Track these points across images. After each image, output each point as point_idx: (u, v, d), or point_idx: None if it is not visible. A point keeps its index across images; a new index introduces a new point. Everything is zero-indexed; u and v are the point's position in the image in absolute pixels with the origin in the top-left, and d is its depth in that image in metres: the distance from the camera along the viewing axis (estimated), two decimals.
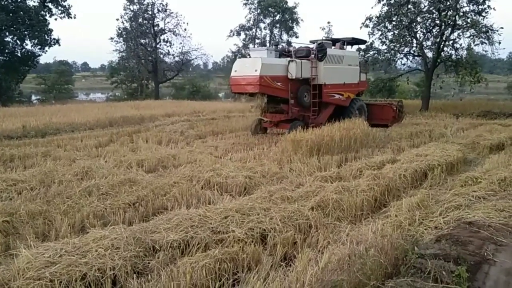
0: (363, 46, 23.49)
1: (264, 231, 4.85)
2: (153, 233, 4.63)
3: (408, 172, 7.53)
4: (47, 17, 34.08)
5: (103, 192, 6.60)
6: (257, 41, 42.86)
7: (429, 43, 22.95)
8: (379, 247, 3.69)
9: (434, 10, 21.20)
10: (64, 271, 3.67)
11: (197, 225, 4.80)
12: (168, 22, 41.66)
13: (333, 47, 14.39)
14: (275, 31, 44.34)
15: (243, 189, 7.09)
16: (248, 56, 12.91)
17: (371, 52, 23.65)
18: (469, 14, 20.85)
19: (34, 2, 33.58)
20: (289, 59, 12.92)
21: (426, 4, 21.56)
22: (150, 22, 41.29)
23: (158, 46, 42.12)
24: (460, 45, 22.11)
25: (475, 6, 20.99)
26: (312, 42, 14.91)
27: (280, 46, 16.48)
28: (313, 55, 13.43)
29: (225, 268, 4.01)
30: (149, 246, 4.33)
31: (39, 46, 34.24)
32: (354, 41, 16.58)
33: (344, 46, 15.34)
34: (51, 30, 34.27)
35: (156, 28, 41.52)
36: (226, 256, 4.13)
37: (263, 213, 5.26)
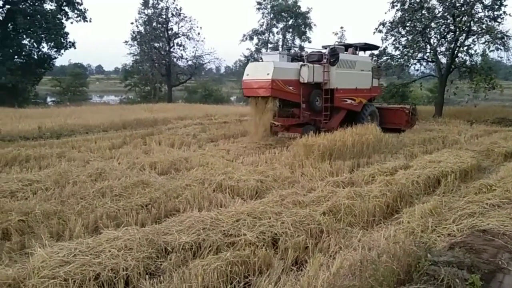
0: (376, 52, 23.43)
1: (276, 235, 4.86)
2: (166, 235, 4.66)
3: (421, 178, 7.47)
4: (63, 21, 34.65)
5: (116, 193, 6.68)
6: (269, 45, 42.92)
7: (443, 48, 22.78)
8: (392, 253, 3.67)
9: (448, 16, 21.03)
10: (78, 271, 3.72)
11: (209, 227, 4.83)
12: (181, 26, 42.03)
13: (345, 53, 14.41)
14: (288, 36, 44.34)
15: (255, 193, 7.11)
16: (261, 60, 13.04)
17: (384, 58, 23.53)
18: (484, 20, 20.65)
19: (51, 5, 34.20)
20: (301, 63, 12.97)
21: (440, 9, 21.42)
22: (164, 26, 41.67)
23: (171, 49, 42.49)
24: (475, 51, 21.91)
25: (490, 12, 20.76)
26: (325, 47, 14.90)
27: (292, 51, 16.47)
28: (325, 60, 13.48)
29: (237, 271, 4.03)
30: (161, 247, 4.37)
31: (55, 49, 34.81)
32: (366, 47, 16.53)
33: (357, 52, 15.34)
34: (67, 33, 34.85)
35: (170, 32, 41.89)
36: (238, 259, 4.14)
37: (275, 217, 5.27)
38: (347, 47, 15.15)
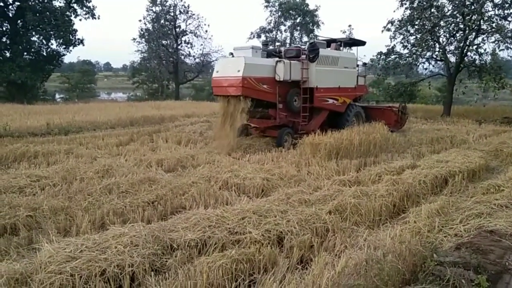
0: (383, 50, 23.29)
1: (281, 233, 4.86)
2: (171, 231, 4.68)
3: (428, 178, 7.41)
4: (72, 18, 34.88)
5: (123, 190, 6.72)
6: (277, 43, 42.88)
7: (452, 47, 22.53)
8: (397, 253, 3.66)
9: (458, 14, 20.80)
10: (85, 266, 3.75)
11: (215, 225, 4.84)
12: (189, 24, 42.17)
13: (328, 48, 13.49)
14: (296, 33, 44.33)
15: (261, 191, 7.12)
16: (231, 56, 12.04)
17: (393, 56, 23.37)
18: (494, 19, 20.39)
19: (60, 2, 34.47)
20: (277, 59, 11.83)
21: (450, 8, 21.20)
22: (172, 23, 41.81)
23: (179, 47, 42.62)
24: (485, 50, 21.63)
25: (500, 10, 20.53)
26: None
27: (271, 47, 15.01)
28: (304, 56, 12.34)
29: (242, 268, 4.03)
30: (167, 244, 4.38)
31: (64, 46, 35.13)
32: (351, 42, 15.50)
33: (341, 47, 14.33)
34: (75, 30, 35.10)
35: (177, 29, 42.03)
36: (243, 257, 4.15)
37: (280, 215, 5.26)
38: (330, 42, 14.07)
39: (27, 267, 3.83)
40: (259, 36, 43.37)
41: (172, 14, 41.52)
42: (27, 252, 4.55)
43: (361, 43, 15.52)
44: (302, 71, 12.12)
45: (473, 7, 20.04)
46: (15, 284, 3.60)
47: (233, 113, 11.08)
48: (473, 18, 19.93)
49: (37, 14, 31.93)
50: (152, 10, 41.04)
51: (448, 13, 21.07)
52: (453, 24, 21.40)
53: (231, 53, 12.20)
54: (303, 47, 13.08)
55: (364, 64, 17.17)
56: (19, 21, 32.37)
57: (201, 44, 42.68)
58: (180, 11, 41.54)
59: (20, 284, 3.61)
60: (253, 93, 11.12)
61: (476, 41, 21.42)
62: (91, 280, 3.64)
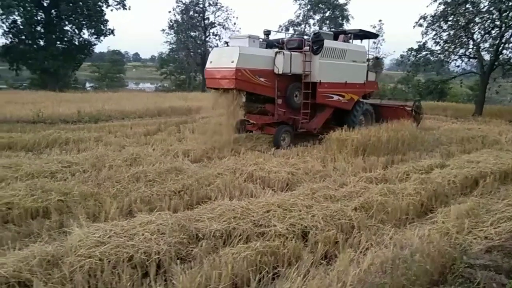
0: (414, 46, 22.76)
1: (306, 228, 4.84)
2: (197, 221, 4.74)
3: (457, 178, 7.23)
4: (103, 8, 35.51)
5: (150, 178, 6.83)
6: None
7: (486, 45, 21.79)
8: (425, 253, 3.59)
9: (494, 11, 20.10)
10: (113, 252, 3.84)
11: (240, 216, 4.87)
12: (218, 16, 42.32)
13: (335, 41, 12.33)
14: (324, 27, 43.82)
15: (285, 185, 7.10)
16: (226, 45, 11.15)
17: (424, 53, 22.83)
18: None
19: None
20: (276, 50, 10.79)
21: (486, 4, 20.49)
22: (201, 15, 42.04)
23: (207, 39, 42.82)
24: None
25: None
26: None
27: (276, 37, 13.05)
28: (307, 47, 11.29)
29: (266, 261, 4.05)
30: (192, 234, 4.44)
31: (95, 36, 35.83)
32: (362, 34, 13.81)
33: (351, 40, 13.11)
34: (107, 21, 35.72)
35: (206, 21, 42.24)
36: (267, 249, 4.16)
37: (305, 210, 5.25)
38: (338, 34, 13.00)
39: (58, 249, 3.95)
40: (287, 30, 43.10)
41: (201, 6, 41.78)
42: (58, 235, 4.68)
43: (373, 35, 14.32)
44: (305, 64, 11.06)
45: (510, 3, 19.31)
46: (46, 265, 3.71)
47: (227, 108, 10.25)
48: (510, 14, 19.23)
49: (71, 4, 32.66)
50: (181, 1, 41.39)
51: (484, 9, 20.38)
52: (488, 21, 20.69)
53: (226, 42, 11.53)
54: (306, 37, 12.06)
55: (376, 58, 16.05)
56: (53, 10, 33.17)
57: (229, 37, 42.74)
58: (209, 3, 41.77)
59: (51, 265, 3.73)
60: (249, 86, 10.19)
61: None
62: (119, 265, 3.73)
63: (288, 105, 11.03)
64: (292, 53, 10.76)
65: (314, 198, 5.94)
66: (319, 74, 11.28)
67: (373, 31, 40.21)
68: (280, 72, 10.49)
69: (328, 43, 11.49)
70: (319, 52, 11.21)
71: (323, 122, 11.97)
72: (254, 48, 10.62)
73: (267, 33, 11.75)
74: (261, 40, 11.24)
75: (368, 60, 13.59)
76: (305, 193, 6.14)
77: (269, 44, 11.49)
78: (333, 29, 12.94)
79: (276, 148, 10.26)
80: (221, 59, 10.24)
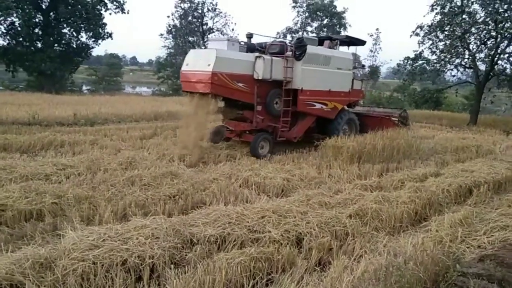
0: (411, 55, 22.92)
1: (300, 235, 4.86)
2: (192, 226, 4.73)
3: (452, 187, 7.29)
4: (102, 11, 35.52)
5: (145, 182, 6.82)
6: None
7: (482, 55, 21.98)
8: (419, 261, 3.61)
9: (490, 22, 20.29)
10: (107, 255, 3.83)
11: (234, 222, 4.87)
12: (216, 22, 42.34)
13: (320, 47, 11.87)
14: (322, 35, 44.07)
15: (281, 191, 7.13)
16: (204, 48, 10.89)
17: (420, 62, 23.00)
18: None
19: None
20: (256, 54, 10.34)
21: (482, 15, 20.70)
22: (199, 20, 42.07)
23: (205, 44, 42.86)
24: None
25: None
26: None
27: (256, 42, 11.68)
28: (290, 52, 10.89)
29: (260, 267, 4.05)
30: (187, 238, 4.43)
31: (93, 39, 35.75)
32: (349, 40, 13.41)
33: (336, 46, 12.62)
34: (105, 24, 35.70)
35: (204, 26, 42.25)
36: (262, 255, 4.16)
37: (300, 217, 5.26)
38: (323, 39, 12.44)
39: (51, 252, 3.93)
40: (285, 36, 43.21)
41: (200, 11, 41.81)
42: (51, 238, 4.66)
43: (361, 42, 13.82)
44: (286, 70, 10.60)
45: (506, 15, 19.55)
46: (39, 268, 3.69)
47: (201, 114, 9.83)
48: (506, 25, 19.44)
49: (69, 7, 32.64)
50: (180, 6, 41.41)
51: (480, 20, 20.58)
52: (484, 31, 20.90)
53: (205, 45, 11.18)
54: (289, 42, 11.31)
55: (363, 66, 15.24)
56: (51, 13, 33.15)
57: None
58: (208, 9, 41.81)
59: (44, 268, 3.71)
60: (226, 91, 9.76)
61: (508, 50, 20.91)
62: (113, 269, 3.72)
63: (267, 112, 10.63)
64: (273, 58, 10.39)
65: (309, 205, 5.96)
66: (301, 81, 10.84)
67: (371, 39, 40.51)
68: (260, 78, 10.10)
69: (311, 48, 11.04)
70: (301, 58, 10.77)
71: (305, 131, 11.65)
72: (233, 51, 10.17)
73: (250, 36, 11.22)
74: (242, 43, 10.86)
75: (355, 67, 13.15)
76: (300, 200, 6.15)
77: (250, 48, 10.93)
78: (324, 36, 12.12)
79: (254, 156, 9.97)
80: (198, 62, 9.80)
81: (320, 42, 12.18)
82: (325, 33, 42.77)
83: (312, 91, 11.23)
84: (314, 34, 42.97)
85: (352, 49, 13.69)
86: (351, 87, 12.68)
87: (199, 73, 9.57)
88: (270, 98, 10.51)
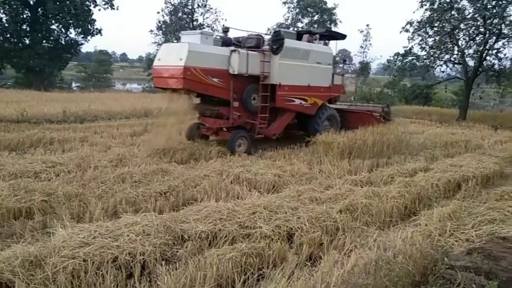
0: (401, 51, 23.04)
1: (291, 230, 4.88)
2: (183, 222, 4.73)
3: (441, 181, 7.37)
4: (91, 7, 35.20)
5: (136, 179, 6.80)
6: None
7: (471, 51, 22.19)
8: (408, 255, 3.65)
9: (479, 18, 20.49)
10: (97, 253, 3.81)
11: (226, 218, 4.88)
12: (207, 18, 42.21)
13: (298, 41, 11.56)
14: (301, 29, 44.13)
15: (272, 187, 7.14)
16: (176, 42, 10.42)
17: (410, 58, 23.15)
18: None
19: None
20: (232, 48, 10.02)
21: (471, 11, 20.90)
22: (190, 16, 41.91)
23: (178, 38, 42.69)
24: (505, 54, 21.31)
25: None
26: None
27: (233, 36, 11.36)
28: (267, 46, 10.60)
29: (251, 262, 4.06)
30: (178, 235, 4.43)
31: (82, 35, 35.47)
32: (329, 34, 13.14)
33: (316, 41, 12.15)
34: (94, 20, 35.42)
35: (195, 22, 42.10)
36: (253, 251, 4.18)
37: (291, 212, 5.28)
38: (302, 33, 12.13)
39: (41, 250, 3.90)
40: None
41: (190, 7, 41.64)
42: (41, 236, 4.62)
43: (341, 36, 13.38)
44: (263, 64, 10.26)
45: (494, 11, 19.74)
46: (29, 266, 3.67)
47: (174, 111, 9.56)
48: (494, 22, 19.63)
49: (57, 3, 32.30)
50: (170, 2, 41.22)
51: (468, 16, 20.78)
52: (473, 27, 21.11)
53: (178, 38, 10.84)
54: (266, 36, 11.16)
55: (344, 61, 15.03)
56: (39, 9, 32.76)
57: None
58: (198, 5, 41.66)
59: (34, 266, 3.68)
60: (199, 87, 9.40)
61: (496, 46, 21.15)
62: (103, 266, 3.70)
63: (244, 108, 10.25)
64: (249, 52, 10.04)
65: (299, 200, 5.99)
66: (278, 76, 10.52)
67: (361, 35, 40.60)
68: (236, 73, 9.76)
69: (289, 42, 10.68)
70: (279, 52, 10.42)
71: (284, 128, 11.44)
72: (207, 45, 9.74)
73: (226, 30, 10.95)
74: (217, 37, 10.63)
75: (335, 62, 12.75)
76: (291, 195, 6.17)
77: (227, 42, 10.56)
78: (303, 30, 11.73)
79: (231, 153, 9.68)
80: (170, 56, 9.43)
81: (299, 36, 11.94)
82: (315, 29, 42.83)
83: (291, 86, 10.94)
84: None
85: (342, 45, 13.60)
86: (332, 82, 12.42)
87: (171, 68, 9.22)
88: (247, 93, 10.19)
